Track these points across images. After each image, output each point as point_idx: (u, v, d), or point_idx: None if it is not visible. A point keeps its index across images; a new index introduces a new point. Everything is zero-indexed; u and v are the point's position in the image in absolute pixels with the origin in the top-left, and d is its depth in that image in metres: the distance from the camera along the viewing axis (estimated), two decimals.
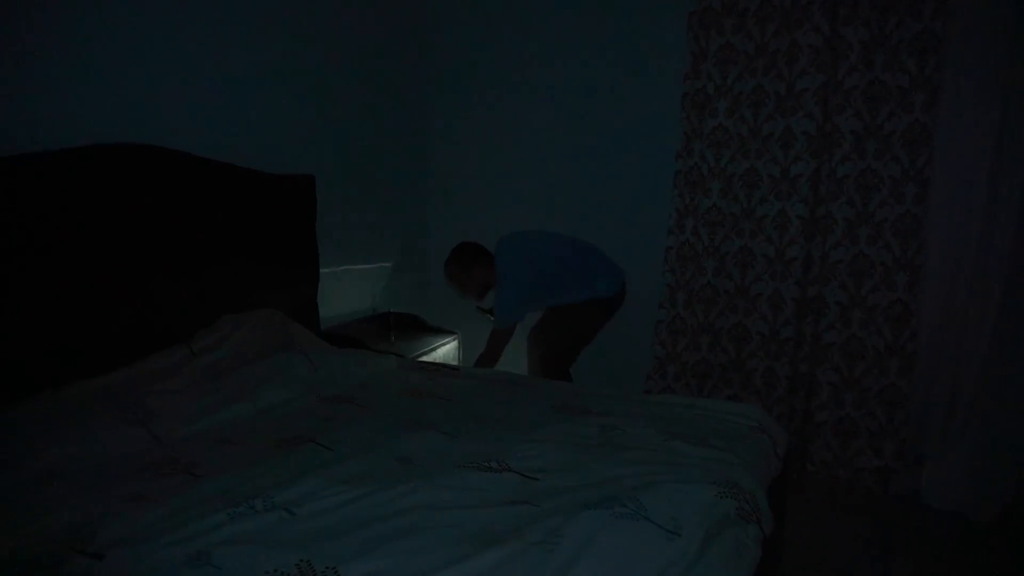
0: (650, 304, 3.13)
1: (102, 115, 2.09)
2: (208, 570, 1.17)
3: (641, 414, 2.03)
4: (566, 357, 3.03)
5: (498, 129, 3.49)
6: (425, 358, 3.02)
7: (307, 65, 2.86)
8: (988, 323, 2.55)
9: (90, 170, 2.00)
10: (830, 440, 2.82)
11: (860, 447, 2.78)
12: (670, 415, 2.03)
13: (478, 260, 2.92)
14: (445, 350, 3.18)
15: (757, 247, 2.90)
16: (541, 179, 3.43)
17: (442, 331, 3.25)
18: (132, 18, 2.16)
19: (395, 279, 3.42)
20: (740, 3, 2.77)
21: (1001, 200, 2.50)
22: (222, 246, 2.45)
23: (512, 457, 1.67)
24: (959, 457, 2.63)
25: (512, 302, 2.84)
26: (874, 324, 2.73)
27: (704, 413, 2.05)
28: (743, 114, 2.85)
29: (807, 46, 2.68)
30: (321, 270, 2.91)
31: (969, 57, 2.53)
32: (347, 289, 3.22)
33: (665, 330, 3.07)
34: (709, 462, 1.66)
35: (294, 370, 2.17)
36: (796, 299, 2.82)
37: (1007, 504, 2.51)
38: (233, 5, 2.49)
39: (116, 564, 1.19)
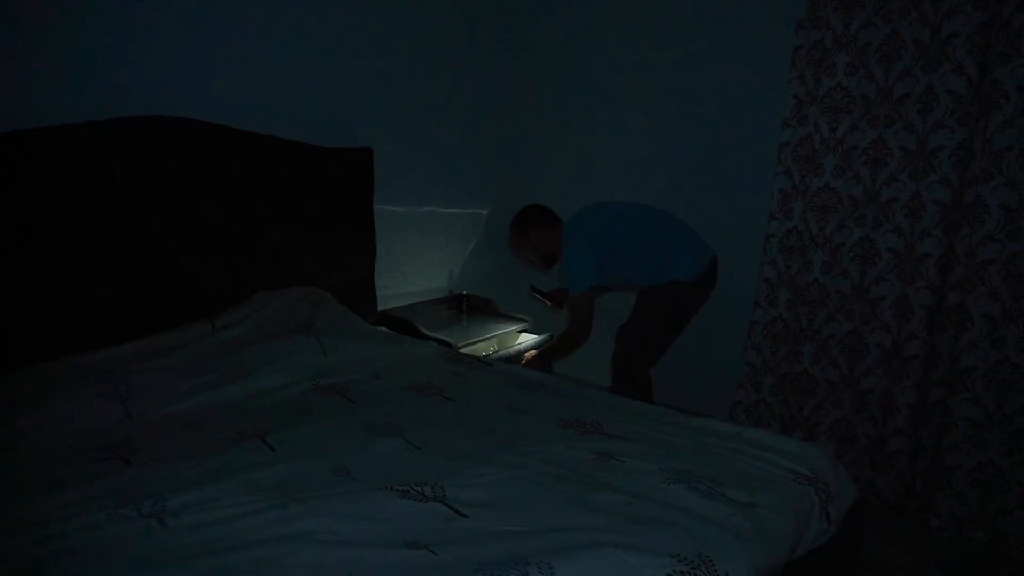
0: (745, 301, 2.64)
1: (144, 87, 2.10)
2: None
3: (662, 442, 1.67)
4: (647, 352, 2.66)
5: (581, 93, 3.14)
6: (480, 345, 2.79)
7: (393, 28, 2.74)
8: None
9: (122, 142, 2.01)
10: (965, 491, 2.19)
11: (1008, 505, 2.13)
12: (698, 447, 1.65)
13: (540, 223, 2.61)
14: (509, 337, 2.93)
15: (881, 239, 2.30)
16: (625, 149, 3.04)
17: (512, 318, 3.01)
18: None
19: (474, 259, 3.24)
20: None
21: None
22: (269, 221, 2.40)
23: (458, 483, 1.42)
24: None
25: (577, 261, 2.49)
26: None
27: (744, 449, 1.64)
28: (871, 70, 2.25)
29: None
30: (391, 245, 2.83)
31: None
32: (423, 267, 3.10)
33: (761, 333, 2.57)
34: (697, 523, 1.28)
35: (300, 354, 2.06)
36: (928, 307, 2.20)
37: None
38: None
39: None
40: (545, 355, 2.63)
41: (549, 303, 2.88)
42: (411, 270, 3.04)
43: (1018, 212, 2.04)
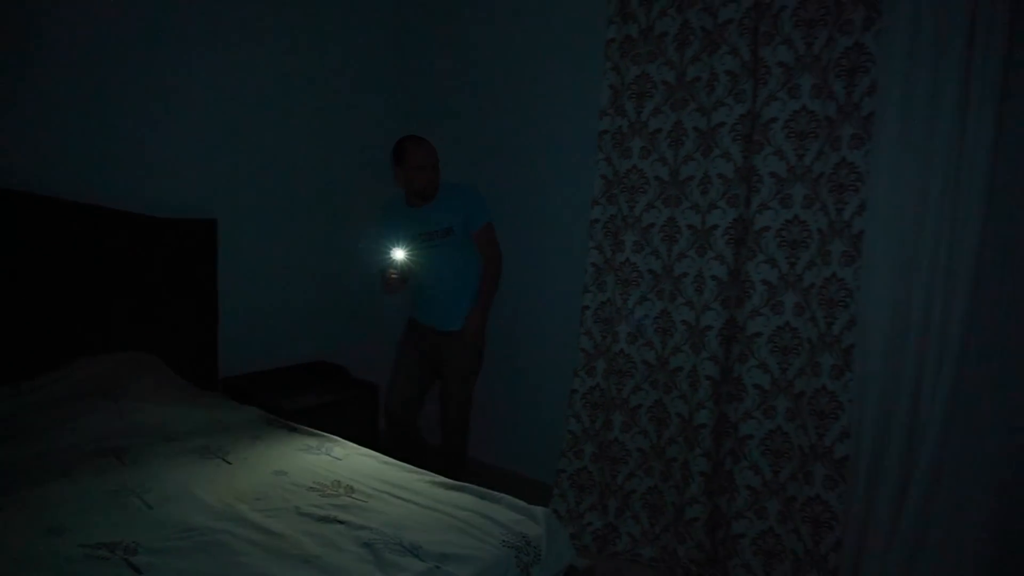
0: (570, 370, 2.73)
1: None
2: None
3: (401, 507, 1.73)
4: (470, 397, 2.88)
5: None
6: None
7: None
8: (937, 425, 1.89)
9: None
10: (750, 559, 2.23)
11: (785, 573, 2.17)
12: (436, 513, 1.70)
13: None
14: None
15: (676, 311, 2.42)
16: None
17: (361, 384, 3.07)
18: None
19: (331, 325, 3.32)
20: (657, 27, 2.38)
21: (953, 266, 1.86)
22: (103, 289, 2.49)
23: (153, 544, 1.47)
24: None
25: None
26: (800, 417, 2.14)
27: (472, 519, 1.69)
28: (663, 154, 2.42)
29: (724, 72, 2.22)
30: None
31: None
32: (279, 333, 3.17)
33: (580, 402, 2.65)
34: None
35: (93, 416, 2.12)
36: (711, 378, 2.30)
37: None
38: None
39: None
40: (487, 304, 2.79)
41: (393, 274, 2.63)
42: (264, 336, 3.11)
43: (778, 288, 2.16)
